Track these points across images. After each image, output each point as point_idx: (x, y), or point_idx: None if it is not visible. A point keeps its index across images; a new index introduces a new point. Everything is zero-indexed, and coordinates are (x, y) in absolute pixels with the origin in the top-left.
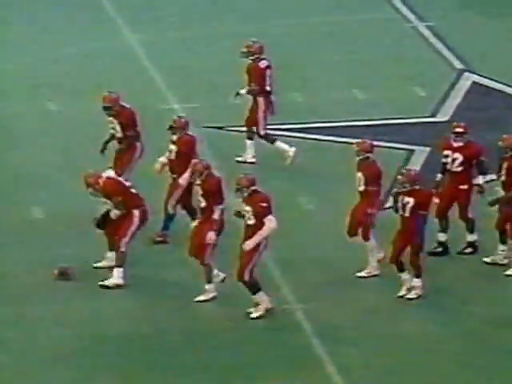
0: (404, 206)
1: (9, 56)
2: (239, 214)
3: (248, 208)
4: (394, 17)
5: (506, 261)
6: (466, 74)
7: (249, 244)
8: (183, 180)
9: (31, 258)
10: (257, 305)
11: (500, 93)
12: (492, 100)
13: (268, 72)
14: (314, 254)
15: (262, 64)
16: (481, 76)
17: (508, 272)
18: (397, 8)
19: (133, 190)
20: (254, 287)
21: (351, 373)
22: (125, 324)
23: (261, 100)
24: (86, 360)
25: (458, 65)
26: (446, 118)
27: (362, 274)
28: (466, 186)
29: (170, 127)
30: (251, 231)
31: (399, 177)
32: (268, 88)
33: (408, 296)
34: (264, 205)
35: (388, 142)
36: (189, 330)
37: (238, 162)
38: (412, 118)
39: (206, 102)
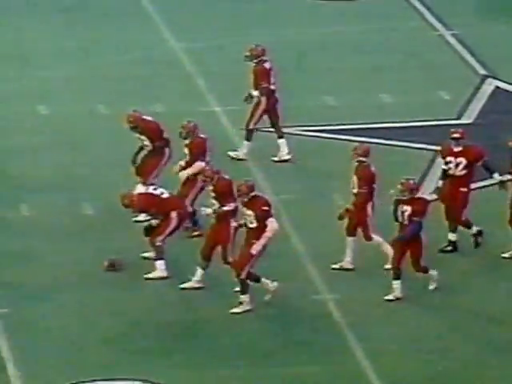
0: (402, 213)
1: (61, 64)
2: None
3: (249, 212)
4: (422, 25)
5: None
6: (489, 79)
7: (256, 248)
8: (183, 174)
9: (83, 251)
10: (240, 304)
11: None
12: None
13: (272, 72)
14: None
15: (267, 65)
16: (503, 81)
17: None
18: (424, 17)
19: (164, 196)
20: (254, 280)
21: (380, 360)
22: (167, 311)
23: (263, 99)
24: (133, 344)
25: (482, 70)
26: (470, 121)
27: (389, 266)
28: (465, 189)
29: (180, 133)
30: (253, 234)
31: (398, 186)
32: (272, 87)
33: (429, 287)
34: (265, 208)
35: (415, 142)
36: (227, 317)
37: (273, 161)
38: (438, 120)
39: (245, 105)
